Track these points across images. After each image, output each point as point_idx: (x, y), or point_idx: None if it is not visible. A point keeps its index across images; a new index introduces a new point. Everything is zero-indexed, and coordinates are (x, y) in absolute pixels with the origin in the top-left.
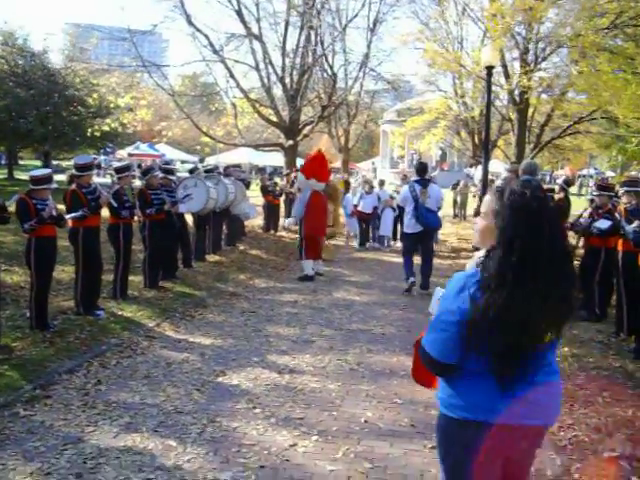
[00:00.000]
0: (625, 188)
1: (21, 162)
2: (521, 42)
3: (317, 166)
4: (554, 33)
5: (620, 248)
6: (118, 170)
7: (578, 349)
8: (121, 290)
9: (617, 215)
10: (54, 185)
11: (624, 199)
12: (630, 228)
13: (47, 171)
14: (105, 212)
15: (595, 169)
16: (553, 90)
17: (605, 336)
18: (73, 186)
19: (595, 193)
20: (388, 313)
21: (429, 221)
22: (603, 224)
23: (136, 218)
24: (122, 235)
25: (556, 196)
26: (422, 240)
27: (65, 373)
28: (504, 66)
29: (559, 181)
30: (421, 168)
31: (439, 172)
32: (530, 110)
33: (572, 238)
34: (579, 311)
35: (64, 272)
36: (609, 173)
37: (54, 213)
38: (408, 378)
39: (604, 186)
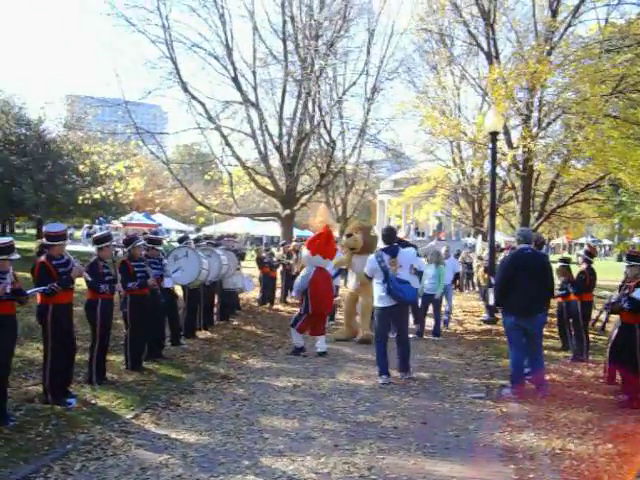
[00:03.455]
0: None
1: (18, 230)
2: (523, 108)
3: (323, 243)
4: (559, 97)
5: None
6: (97, 240)
7: None
8: (97, 374)
9: None
10: (16, 255)
11: None
12: None
13: (6, 240)
14: (84, 286)
15: (592, 237)
16: (558, 156)
17: None
18: (43, 257)
19: (626, 264)
20: (398, 400)
21: (403, 294)
22: None
23: (118, 293)
24: (100, 312)
25: (579, 268)
26: (395, 317)
27: None
28: (506, 133)
29: (580, 252)
30: (388, 234)
31: (436, 241)
32: (534, 177)
33: (597, 310)
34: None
35: (39, 350)
36: (606, 241)
37: (7, 290)
38: None
39: (635, 255)
